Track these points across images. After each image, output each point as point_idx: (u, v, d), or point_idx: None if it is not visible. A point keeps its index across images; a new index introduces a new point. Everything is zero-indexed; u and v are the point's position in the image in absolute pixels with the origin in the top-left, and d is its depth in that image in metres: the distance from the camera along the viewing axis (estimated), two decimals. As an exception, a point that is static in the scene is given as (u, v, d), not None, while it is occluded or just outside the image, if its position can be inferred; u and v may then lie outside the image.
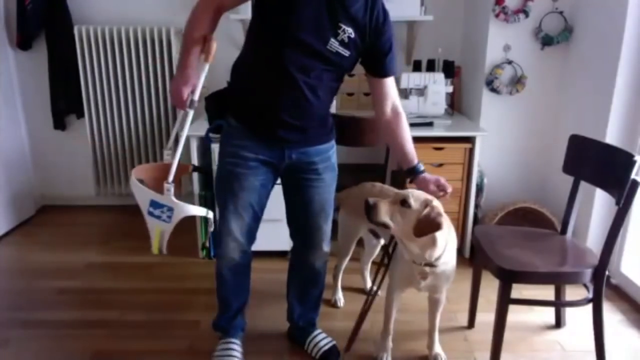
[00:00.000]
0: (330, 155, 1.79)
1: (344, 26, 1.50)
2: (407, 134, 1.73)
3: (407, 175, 1.78)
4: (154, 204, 1.55)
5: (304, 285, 1.99)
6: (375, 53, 1.62)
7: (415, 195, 1.61)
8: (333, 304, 2.36)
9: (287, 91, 1.55)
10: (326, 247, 1.91)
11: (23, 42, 3.17)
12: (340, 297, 2.38)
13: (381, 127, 1.76)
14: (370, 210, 1.60)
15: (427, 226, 1.57)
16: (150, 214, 1.56)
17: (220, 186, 1.76)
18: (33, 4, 3.05)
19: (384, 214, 1.60)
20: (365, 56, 1.63)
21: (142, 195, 1.57)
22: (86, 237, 3.08)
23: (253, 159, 1.67)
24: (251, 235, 1.83)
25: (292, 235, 1.94)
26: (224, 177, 1.73)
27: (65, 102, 3.30)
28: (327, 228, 1.87)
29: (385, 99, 1.70)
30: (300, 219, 1.85)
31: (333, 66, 1.57)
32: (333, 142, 1.81)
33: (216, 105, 1.75)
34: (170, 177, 1.55)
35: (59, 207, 3.56)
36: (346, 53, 1.54)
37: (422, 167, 1.75)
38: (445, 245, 1.66)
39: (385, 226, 1.61)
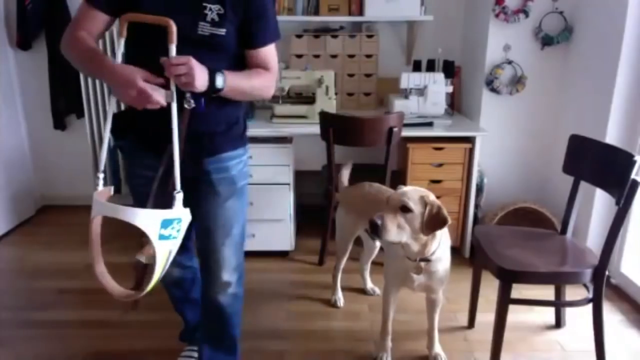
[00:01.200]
0: (228, 167, 1.51)
1: (208, 5, 1.35)
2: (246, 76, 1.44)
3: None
4: (165, 223, 1.24)
5: (211, 324, 1.72)
6: (246, 21, 1.40)
7: (411, 196, 1.60)
8: (333, 304, 2.37)
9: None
10: (228, 276, 1.60)
11: (23, 42, 3.17)
12: (339, 297, 2.38)
13: None
14: (378, 231, 1.57)
15: (436, 223, 1.59)
16: (162, 237, 1.24)
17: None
18: (33, 4, 3.05)
19: (394, 231, 1.58)
20: (238, 29, 1.41)
21: (149, 219, 1.22)
22: (86, 237, 3.07)
23: (148, 177, 1.42)
24: (185, 249, 1.60)
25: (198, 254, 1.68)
26: (135, 198, 1.56)
27: (65, 102, 3.31)
28: (229, 253, 1.58)
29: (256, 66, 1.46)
30: (197, 240, 1.61)
31: (215, 51, 1.38)
32: (238, 152, 1.54)
33: (116, 125, 1.46)
34: (177, 185, 1.31)
35: (59, 207, 3.56)
36: (222, 32, 1.37)
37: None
38: (441, 237, 1.69)
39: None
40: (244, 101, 1.53)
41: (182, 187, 1.32)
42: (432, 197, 1.63)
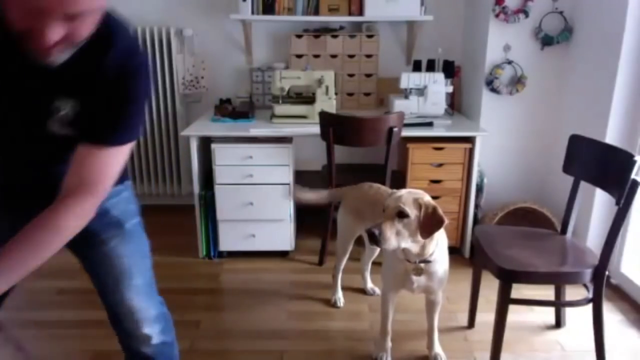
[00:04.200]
0: (106, 209, 1.21)
1: (57, 103, 1.01)
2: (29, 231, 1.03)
3: None
4: None
5: None
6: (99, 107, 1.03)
7: (406, 201, 1.59)
8: (333, 304, 2.37)
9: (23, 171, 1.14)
10: (148, 330, 1.34)
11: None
12: (340, 297, 2.38)
13: None
14: (377, 241, 1.57)
15: (433, 225, 1.59)
16: None
17: None
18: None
19: (393, 239, 1.58)
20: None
21: None
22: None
23: None
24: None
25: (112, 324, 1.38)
26: None
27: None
28: (140, 305, 1.31)
29: (72, 174, 1.04)
30: (100, 296, 1.32)
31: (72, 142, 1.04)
32: (114, 190, 1.17)
33: None
34: None
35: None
36: (76, 132, 1.04)
37: None
38: (438, 237, 1.69)
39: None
40: None
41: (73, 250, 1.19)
42: (426, 197, 1.63)
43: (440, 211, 1.59)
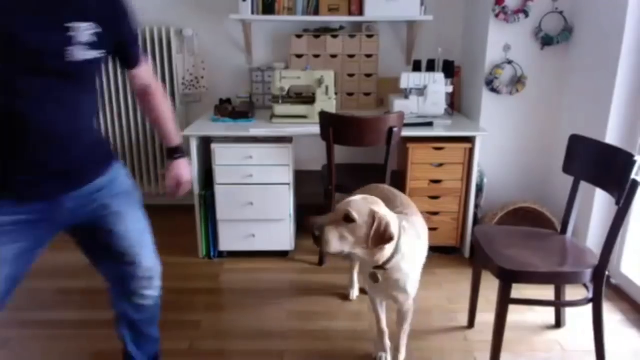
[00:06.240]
0: (111, 184, 1.42)
1: (74, 24, 1.14)
2: (161, 111, 1.55)
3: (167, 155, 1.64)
4: None
5: (140, 324, 1.69)
6: (123, 40, 1.33)
7: (358, 208, 1.52)
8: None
9: (28, 137, 1.15)
10: (157, 282, 1.62)
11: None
12: (354, 291, 2.43)
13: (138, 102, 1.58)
14: (318, 242, 1.50)
15: (380, 239, 1.52)
16: None
17: None
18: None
19: (335, 242, 1.50)
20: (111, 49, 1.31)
21: None
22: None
23: (9, 223, 1.22)
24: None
25: (113, 282, 1.60)
26: None
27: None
28: (153, 257, 1.58)
29: (140, 85, 1.50)
30: (121, 262, 1.51)
31: (86, 78, 1.24)
32: (114, 168, 1.43)
33: None
34: None
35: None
36: (99, 54, 1.22)
37: (179, 153, 1.61)
38: (396, 250, 1.59)
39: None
40: (94, 118, 1.37)
41: (73, 227, 1.41)
42: (383, 210, 1.54)
43: (392, 229, 1.50)
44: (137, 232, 1.49)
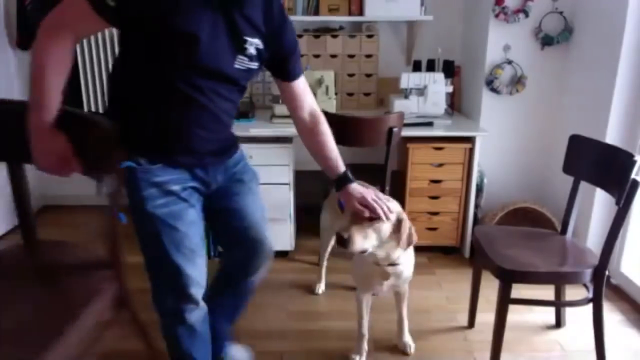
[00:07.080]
0: (243, 160, 1.67)
1: (249, 39, 1.34)
2: (330, 140, 1.58)
3: (334, 185, 1.58)
4: None
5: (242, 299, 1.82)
6: (281, 55, 1.45)
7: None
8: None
9: (201, 122, 1.38)
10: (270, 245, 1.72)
11: (23, 42, 3.16)
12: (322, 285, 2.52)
13: (300, 134, 1.60)
14: (346, 244, 1.51)
15: (409, 241, 1.61)
16: None
17: (154, 239, 1.42)
18: (33, 4, 3.05)
19: (359, 240, 1.52)
20: (269, 61, 1.46)
21: None
22: (86, 237, 3.08)
23: (183, 190, 1.43)
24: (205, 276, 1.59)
25: (233, 252, 1.71)
26: (157, 224, 1.39)
27: (65, 101, 3.30)
28: (267, 228, 1.72)
29: (302, 104, 1.55)
30: (247, 231, 1.64)
31: (244, 83, 1.45)
32: (239, 148, 1.67)
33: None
34: None
35: (59, 207, 3.56)
36: (255, 66, 1.40)
37: (350, 176, 1.54)
38: None
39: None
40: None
41: (211, 197, 1.54)
42: (403, 213, 1.61)
43: (413, 230, 1.62)
44: (261, 211, 1.66)
